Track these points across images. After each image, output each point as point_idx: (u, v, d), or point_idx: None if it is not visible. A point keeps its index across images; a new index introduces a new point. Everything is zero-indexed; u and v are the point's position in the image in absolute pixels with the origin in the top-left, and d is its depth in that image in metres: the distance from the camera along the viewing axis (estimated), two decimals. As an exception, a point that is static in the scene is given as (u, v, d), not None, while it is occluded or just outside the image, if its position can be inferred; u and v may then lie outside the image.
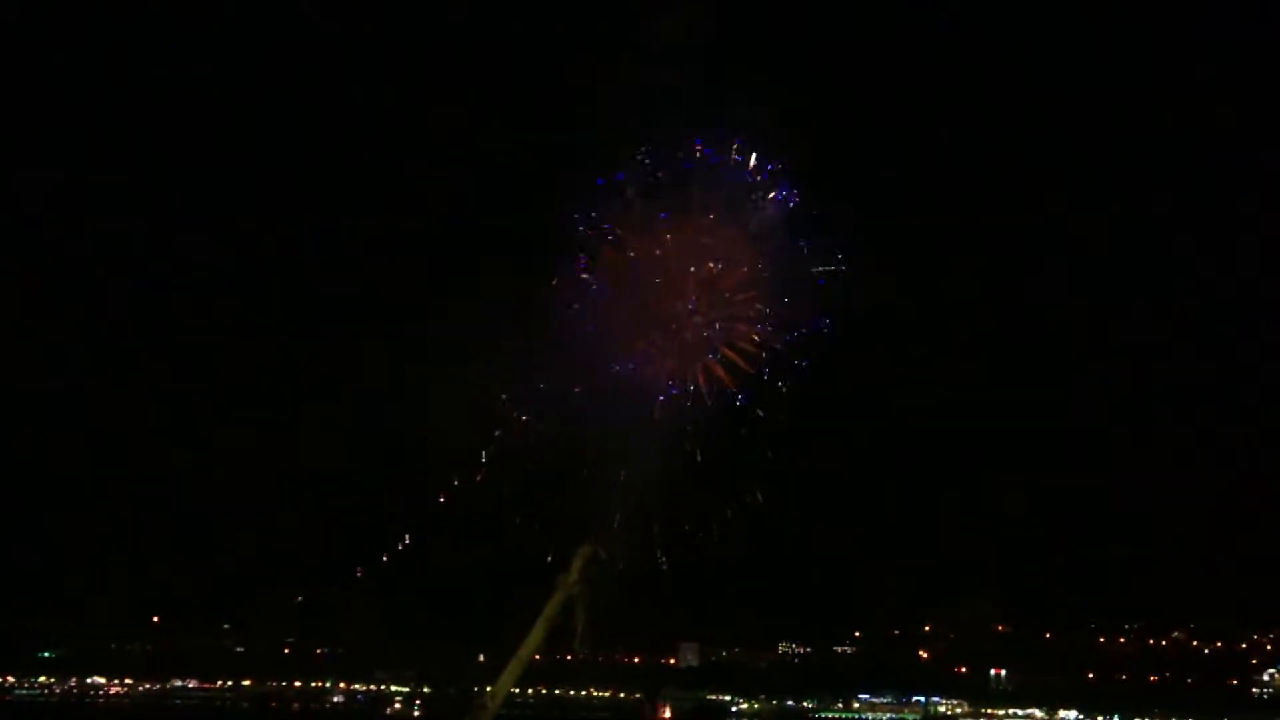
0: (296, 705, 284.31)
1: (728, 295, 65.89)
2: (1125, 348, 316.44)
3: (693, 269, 64.20)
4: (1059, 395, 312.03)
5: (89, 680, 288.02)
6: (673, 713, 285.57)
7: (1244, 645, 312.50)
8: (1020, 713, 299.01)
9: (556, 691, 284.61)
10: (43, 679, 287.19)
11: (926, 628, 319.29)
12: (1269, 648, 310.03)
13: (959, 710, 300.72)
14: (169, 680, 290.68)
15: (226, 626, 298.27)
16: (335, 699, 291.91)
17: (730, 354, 65.83)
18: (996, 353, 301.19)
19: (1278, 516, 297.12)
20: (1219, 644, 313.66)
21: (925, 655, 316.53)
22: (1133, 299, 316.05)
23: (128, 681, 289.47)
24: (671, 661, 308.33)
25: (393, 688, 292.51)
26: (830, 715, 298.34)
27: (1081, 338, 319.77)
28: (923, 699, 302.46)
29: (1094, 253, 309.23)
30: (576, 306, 65.32)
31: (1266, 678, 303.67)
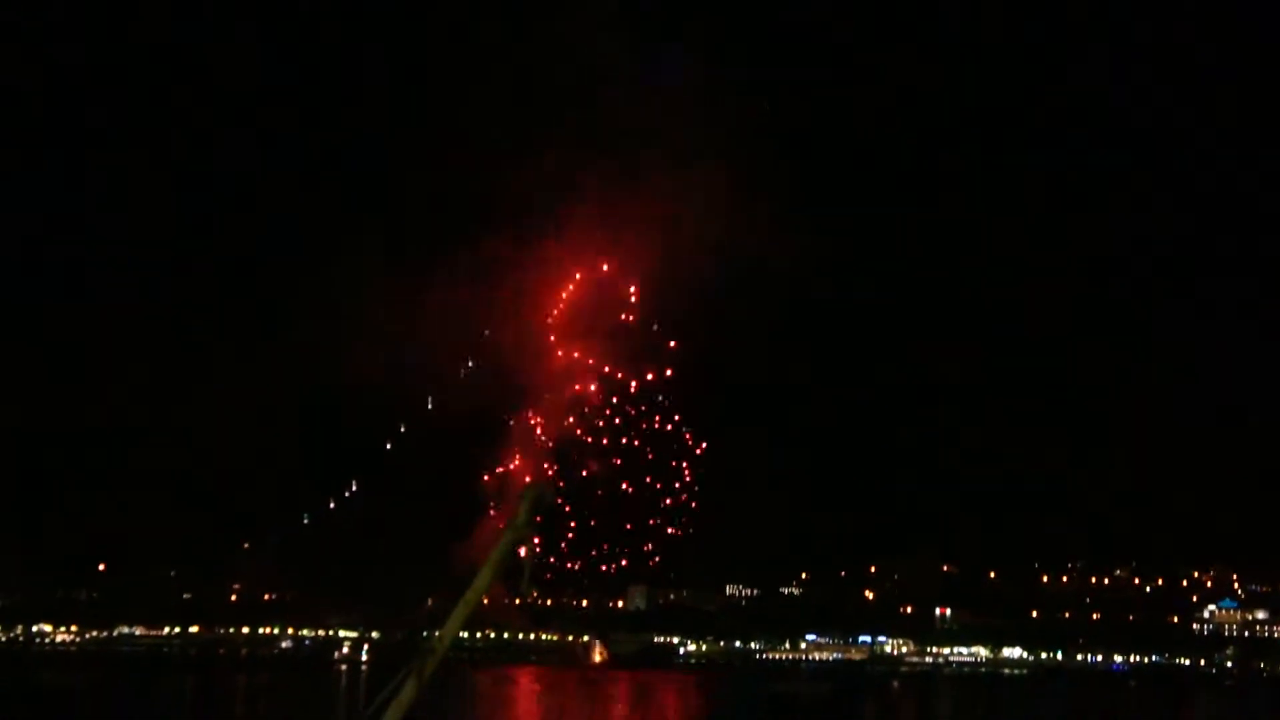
0: (245, 651, 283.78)
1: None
2: (1071, 293, 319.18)
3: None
4: (1004, 337, 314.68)
5: (35, 628, 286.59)
6: (608, 654, 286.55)
7: (1185, 582, 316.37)
8: (965, 651, 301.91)
9: (505, 635, 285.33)
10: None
11: (872, 569, 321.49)
12: (1209, 584, 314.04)
13: (905, 650, 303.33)
14: (116, 627, 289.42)
15: (173, 573, 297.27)
16: (283, 644, 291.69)
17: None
18: (942, 302, 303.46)
19: (1217, 457, 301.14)
20: (1160, 581, 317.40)
21: (871, 596, 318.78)
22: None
23: (74, 629, 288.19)
24: (619, 604, 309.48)
25: (341, 633, 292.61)
26: (778, 656, 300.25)
27: (1029, 289, 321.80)
28: (869, 639, 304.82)
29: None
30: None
31: (1207, 614, 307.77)
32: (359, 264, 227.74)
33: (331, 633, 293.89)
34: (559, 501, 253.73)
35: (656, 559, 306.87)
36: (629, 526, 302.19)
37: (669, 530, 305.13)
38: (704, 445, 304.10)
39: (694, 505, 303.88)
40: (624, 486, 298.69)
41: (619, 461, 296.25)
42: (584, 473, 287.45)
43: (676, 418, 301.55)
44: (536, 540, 19.16)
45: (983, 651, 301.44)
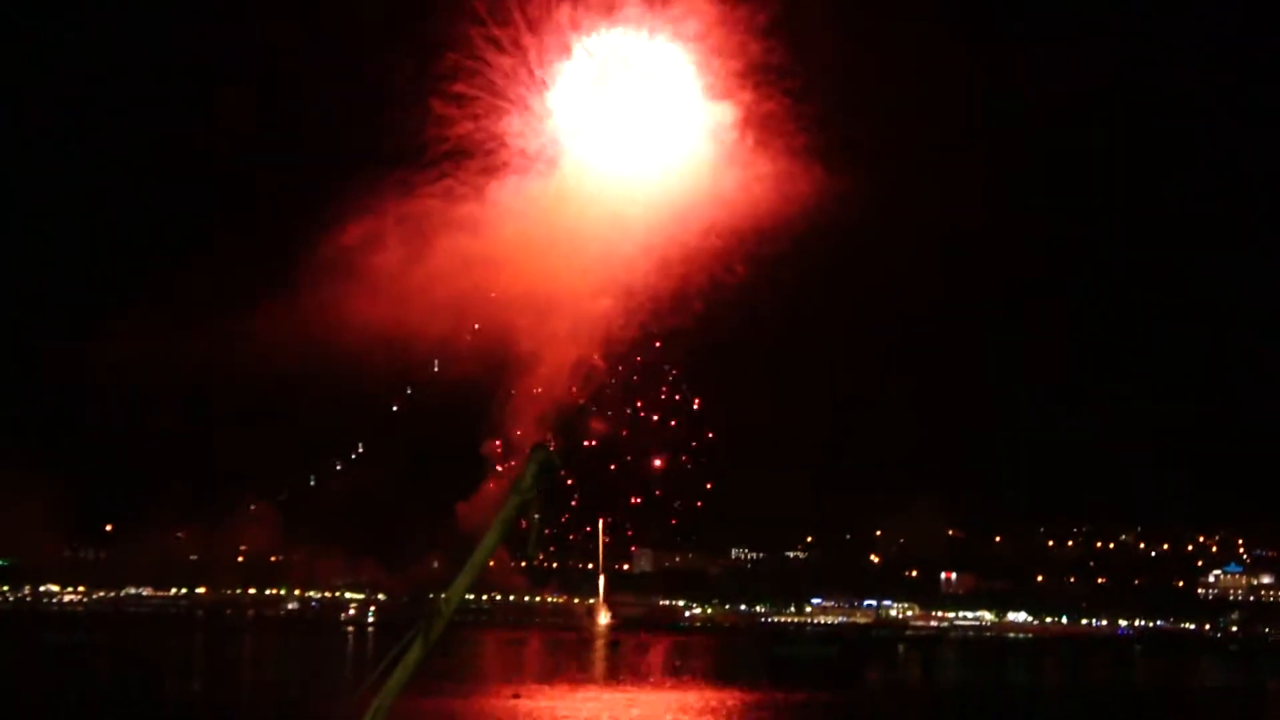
0: (251, 612, 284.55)
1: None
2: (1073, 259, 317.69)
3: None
4: (1009, 302, 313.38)
5: (43, 588, 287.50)
6: (613, 617, 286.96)
7: (1190, 547, 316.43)
8: (971, 615, 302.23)
9: (510, 597, 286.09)
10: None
11: (878, 533, 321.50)
12: (1215, 549, 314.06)
13: (910, 614, 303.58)
14: (123, 588, 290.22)
15: (180, 535, 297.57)
16: (290, 606, 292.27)
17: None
18: (943, 265, 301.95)
19: (1223, 421, 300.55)
20: (1165, 546, 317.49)
21: (877, 560, 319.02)
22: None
23: (81, 589, 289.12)
24: (625, 567, 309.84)
25: (347, 594, 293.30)
26: (783, 619, 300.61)
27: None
28: (874, 603, 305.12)
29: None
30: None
31: (1212, 579, 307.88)
32: (364, 223, 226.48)
33: (338, 594, 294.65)
34: (562, 474, 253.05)
35: (662, 525, 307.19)
36: (634, 500, 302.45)
37: (675, 504, 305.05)
38: (711, 413, 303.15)
39: (697, 475, 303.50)
40: (626, 458, 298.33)
41: (626, 433, 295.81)
42: (586, 442, 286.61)
43: (685, 387, 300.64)
44: (538, 506, 19.18)
45: (988, 615, 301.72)
